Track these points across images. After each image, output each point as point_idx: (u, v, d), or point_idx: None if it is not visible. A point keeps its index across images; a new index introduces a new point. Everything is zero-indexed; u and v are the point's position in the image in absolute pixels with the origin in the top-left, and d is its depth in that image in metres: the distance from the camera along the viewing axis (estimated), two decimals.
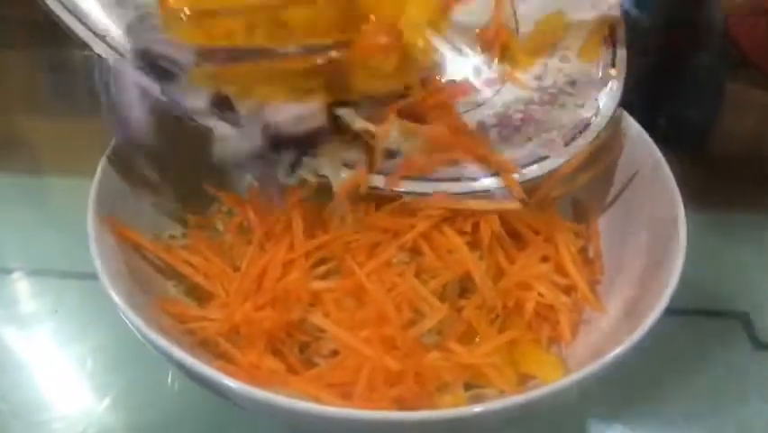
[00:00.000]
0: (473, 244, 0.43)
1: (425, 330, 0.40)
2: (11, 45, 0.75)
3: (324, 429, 0.37)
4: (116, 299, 0.37)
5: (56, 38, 0.73)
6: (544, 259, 0.45)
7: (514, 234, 0.45)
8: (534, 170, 0.43)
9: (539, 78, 0.48)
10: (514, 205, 0.42)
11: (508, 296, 0.43)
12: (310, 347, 0.41)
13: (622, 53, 0.47)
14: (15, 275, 0.53)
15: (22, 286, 0.53)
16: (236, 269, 0.44)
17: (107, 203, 0.42)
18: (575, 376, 0.34)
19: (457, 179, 0.43)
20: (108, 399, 0.46)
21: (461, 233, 0.43)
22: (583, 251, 0.47)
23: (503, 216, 0.44)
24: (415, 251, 0.43)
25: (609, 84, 0.47)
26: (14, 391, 0.46)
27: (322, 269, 0.43)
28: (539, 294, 0.43)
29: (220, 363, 0.36)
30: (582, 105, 0.46)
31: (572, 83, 0.47)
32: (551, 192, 0.48)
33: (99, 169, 0.43)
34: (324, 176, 0.42)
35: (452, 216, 0.43)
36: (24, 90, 0.72)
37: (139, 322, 0.36)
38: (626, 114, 0.48)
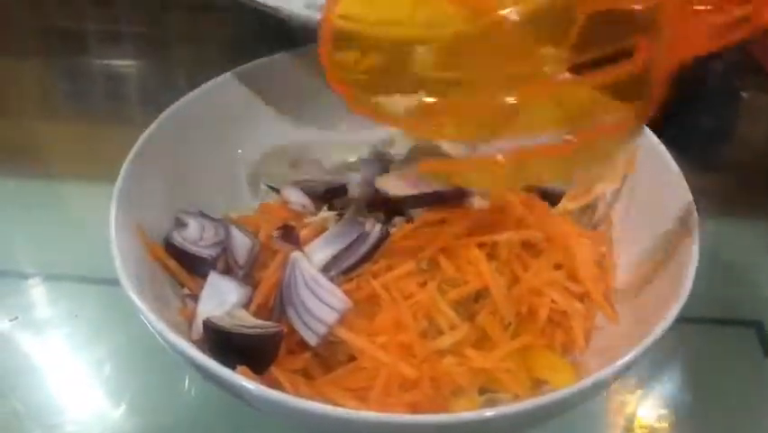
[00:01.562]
0: (490, 255, 0.44)
1: (444, 345, 0.41)
2: (30, 53, 0.76)
3: (337, 431, 0.37)
4: (138, 302, 0.37)
5: (73, 46, 0.74)
6: (558, 266, 0.45)
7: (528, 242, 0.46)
8: None
9: None
10: None
11: (521, 303, 0.43)
12: (327, 352, 0.42)
13: None
14: (34, 280, 0.54)
15: (40, 291, 0.54)
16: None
17: (129, 208, 0.43)
18: (587, 382, 0.35)
19: None
20: (124, 402, 0.46)
21: (481, 245, 0.44)
22: (597, 258, 0.48)
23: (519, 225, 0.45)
24: (434, 260, 0.44)
25: None
26: (32, 394, 0.46)
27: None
28: (552, 301, 0.43)
29: (241, 368, 0.37)
30: None
31: None
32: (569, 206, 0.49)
33: (121, 174, 0.44)
34: None
35: (471, 230, 0.44)
36: (43, 96, 0.72)
37: (159, 325, 0.36)
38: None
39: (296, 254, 0.42)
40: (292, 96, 0.54)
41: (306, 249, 0.44)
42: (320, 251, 0.43)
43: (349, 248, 0.43)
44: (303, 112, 0.55)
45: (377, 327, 0.41)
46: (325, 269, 0.43)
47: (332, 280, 0.42)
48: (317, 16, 0.41)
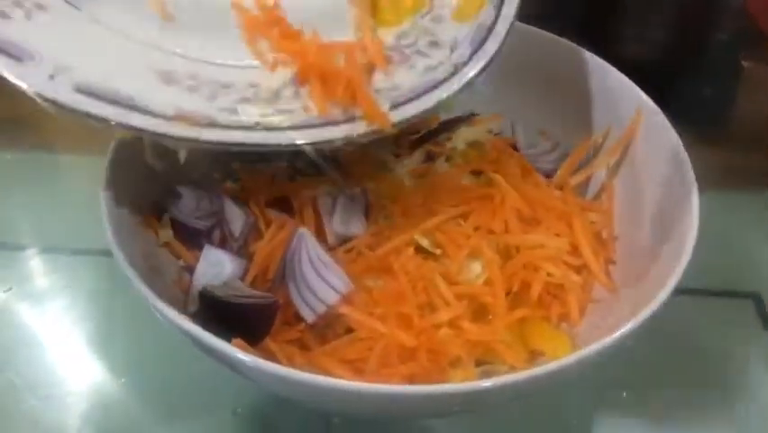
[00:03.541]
0: (489, 229, 0.44)
1: (443, 319, 0.41)
2: None
3: (334, 403, 0.37)
4: (131, 275, 0.37)
5: None
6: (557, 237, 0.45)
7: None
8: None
9: (400, 36, 0.46)
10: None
11: (515, 278, 0.43)
12: (323, 323, 0.41)
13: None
14: (28, 252, 0.54)
15: (34, 263, 0.53)
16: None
17: (122, 179, 0.42)
18: (583, 353, 0.34)
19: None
20: (119, 373, 0.46)
21: (476, 228, 0.44)
22: (597, 229, 0.47)
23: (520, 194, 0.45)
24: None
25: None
26: (27, 366, 0.47)
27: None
28: (548, 274, 0.43)
29: (236, 340, 0.37)
30: (435, 68, 0.43)
31: (434, 44, 0.45)
32: (569, 178, 0.48)
33: (112, 146, 0.43)
34: None
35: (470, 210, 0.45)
36: None
37: (153, 297, 0.36)
38: (643, 95, 0.47)
39: (303, 230, 0.42)
40: None
41: (326, 223, 0.44)
42: (340, 225, 0.44)
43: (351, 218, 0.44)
44: None
45: (376, 300, 0.41)
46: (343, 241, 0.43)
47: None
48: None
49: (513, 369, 0.39)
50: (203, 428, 0.44)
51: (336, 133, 0.40)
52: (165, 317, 0.36)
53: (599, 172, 0.49)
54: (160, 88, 0.40)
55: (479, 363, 0.40)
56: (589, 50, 0.50)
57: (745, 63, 0.66)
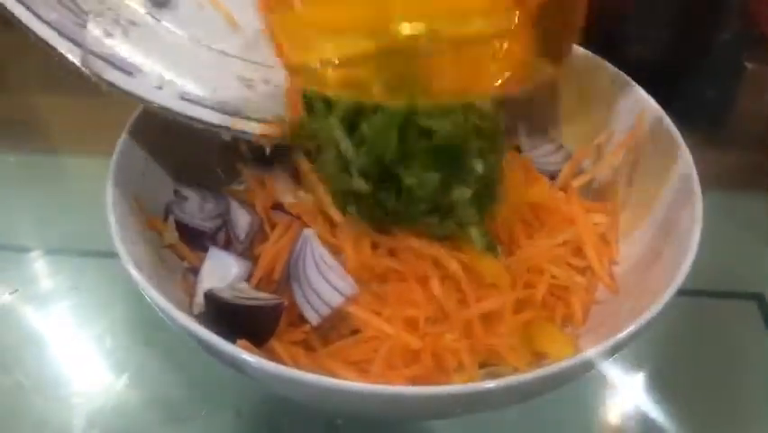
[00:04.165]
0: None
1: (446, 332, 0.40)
2: None
3: (338, 404, 0.37)
4: (137, 276, 0.37)
5: None
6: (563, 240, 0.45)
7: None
8: None
9: None
10: None
11: (519, 280, 0.43)
12: (328, 325, 0.41)
13: None
14: (33, 254, 0.54)
15: (40, 265, 0.54)
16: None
17: (127, 181, 0.42)
18: (586, 354, 0.35)
19: None
20: (126, 375, 0.46)
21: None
22: (601, 231, 0.47)
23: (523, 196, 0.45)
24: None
25: None
26: (35, 367, 0.47)
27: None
28: (552, 276, 0.43)
29: (241, 342, 0.37)
30: None
31: None
32: (572, 180, 0.49)
33: (118, 147, 0.43)
34: None
35: None
36: (42, 69, 0.72)
37: (159, 299, 0.36)
38: (646, 96, 0.48)
39: (308, 231, 0.42)
40: None
41: None
42: None
43: None
44: None
45: (383, 301, 0.41)
46: None
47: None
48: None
49: (516, 371, 0.39)
50: (207, 428, 0.44)
51: None
52: (170, 318, 0.36)
53: (603, 173, 0.49)
54: (247, 94, 0.43)
55: (482, 365, 0.40)
56: (591, 50, 0.51)
57: (747, 64, 0.66)
